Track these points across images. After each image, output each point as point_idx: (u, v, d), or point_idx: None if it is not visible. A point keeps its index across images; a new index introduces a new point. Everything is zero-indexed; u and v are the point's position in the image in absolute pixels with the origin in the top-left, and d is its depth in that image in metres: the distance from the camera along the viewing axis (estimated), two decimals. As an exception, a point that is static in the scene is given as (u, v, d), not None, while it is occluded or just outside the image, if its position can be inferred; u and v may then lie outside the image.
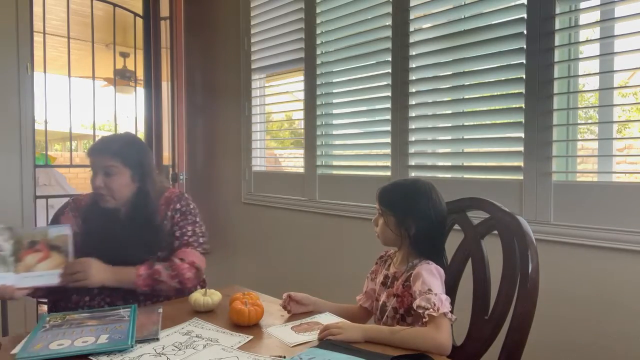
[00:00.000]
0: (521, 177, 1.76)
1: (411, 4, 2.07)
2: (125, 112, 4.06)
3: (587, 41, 1.73)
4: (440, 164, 2.12)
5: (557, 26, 1.66)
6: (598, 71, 1.63)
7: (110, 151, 1.58)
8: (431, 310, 1.12)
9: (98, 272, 1.45)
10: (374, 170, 2.33)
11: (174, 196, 1.69)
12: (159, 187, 1.69)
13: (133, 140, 1.68)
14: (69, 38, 3.10)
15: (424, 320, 1.13)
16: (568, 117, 1.74)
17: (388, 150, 2.20)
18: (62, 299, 1.55)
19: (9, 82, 2.67)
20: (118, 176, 1.56)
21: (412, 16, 2.08)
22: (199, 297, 1.38)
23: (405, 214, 1.28)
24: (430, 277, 1.19)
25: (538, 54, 1.69)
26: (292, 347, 1.12)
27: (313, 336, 1.18)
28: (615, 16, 1.57)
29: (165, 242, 1.62)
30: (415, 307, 1.16)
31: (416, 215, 1.27)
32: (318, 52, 2.50)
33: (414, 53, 2.09)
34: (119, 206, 1.60)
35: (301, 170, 2.65)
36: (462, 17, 1.92)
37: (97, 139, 1.71)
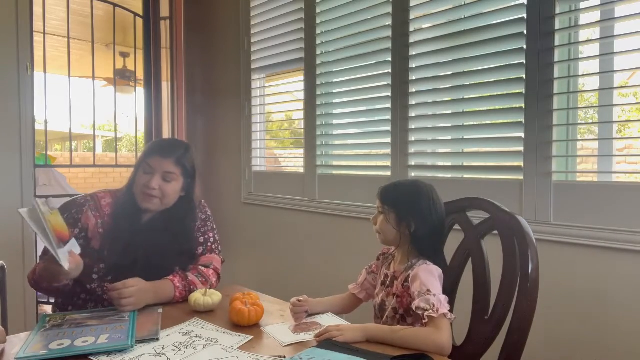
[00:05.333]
0: (521, 177, 1.76)
1: (411, 4, 2.07)
2: (125, 112, 4.07)
3: (587, 41, 1.73)
4: (440, 164, 2.12)
5: (557, 26, 1.66)
6: (598, 71, 1.63)
7: (175, 157, 1.55)
8: (430, 311, 1.12)
9: (145, 294, 1.40)
10: (374, 170, 2.33)
11: (200, 205, 1.71)
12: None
13: (190, 148, 1.66)
14: (69, 38, 3.11)
15: (423, 321, 1.13)
16: (568, 117, 1.74)
17: (388, 150, 2.20)
18: (69, 301, 1.54)
19: (9, 82, 2.67)
20: (174, 183, 1.55)
21: (412, 16, 2.08)
22: (199, 297, 1.38)
23: (407, 212, 1.28)
24: (428, 277, 1.19)
25: (538, 54, 1.69)
26: (285, 346, 1.12)
27: (309, 336, 1.18)
28: (615, 16, 1.57)
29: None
30: (414, 308, 1.16)
31: (417, 214, 1.28)
32: (318, 52, 2.50)
33: (414, 53, 2.09)
34: (161, 210, 1.57)
35: (301, 170, 2.65)
36: (462, 17, 1.92)
37: (160, 139, 1.63)
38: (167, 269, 1.53)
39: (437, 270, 1.23)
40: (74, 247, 1.32)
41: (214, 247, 1.68)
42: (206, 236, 1.68)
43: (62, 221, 1.31)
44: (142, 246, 1.50)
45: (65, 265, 1.24)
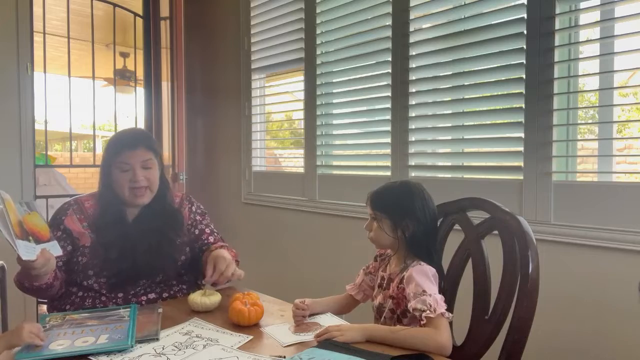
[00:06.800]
0: (521, 177, 1.76)
1: (411, 4, 2.07)
2: (125, 112, 4.06)
3: (587, 41, 1.73)
4: (440, 164, 2.12)
5: (557, 26, 1.66)
6: (598, 71, 1.63)
7: (144, 144, 1.53)
8: (428, 311, 1.11)
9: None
10: (374, 170, 2.33)
11: (184, 199, 1.72)
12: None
13: (149, 132, 1.70)
14: (69, 38, 3.10)
15: (421, 322, 1.13)
16: (568, 117, 1.74)
17: (388, 150, 2.20)
18: (66, 300, 1.54)
19: (9, 82, 2.67)
20: (154, 168, 1.55)
21: (412, 16, 2.08)
22: (198, 297, 1.38)
23: (401, 216, 1.27)
24: (422, 278, 1.18)
25: (538, 54, 1.69)
26: (285, 347, 1.12)
27: (309, 337, 1.18)
28: (615, 16, 1.57)
29: (188, 235, 1.66)
30: (411, 310, 1.16)
31: (412, 217, 1.26)
32: (318, 52, 2.50)
33: (414, 53, 2.09)
34: (151, 199, 1.57)
35: (301, 170, 2.65)
36: (462, 17, 1.92)
37: (117, 134, 1.63)
38: (171, 248, 1.56)
39: (430, 270, 1.21)
40: (53, 248, 1.30)
41: (219, 237, 1.72)
42: (210, 227, 1.71)
43: (42, 222, 1.30)
44: (140, 241, 1.51)
45: (23, 256, 1.21)
